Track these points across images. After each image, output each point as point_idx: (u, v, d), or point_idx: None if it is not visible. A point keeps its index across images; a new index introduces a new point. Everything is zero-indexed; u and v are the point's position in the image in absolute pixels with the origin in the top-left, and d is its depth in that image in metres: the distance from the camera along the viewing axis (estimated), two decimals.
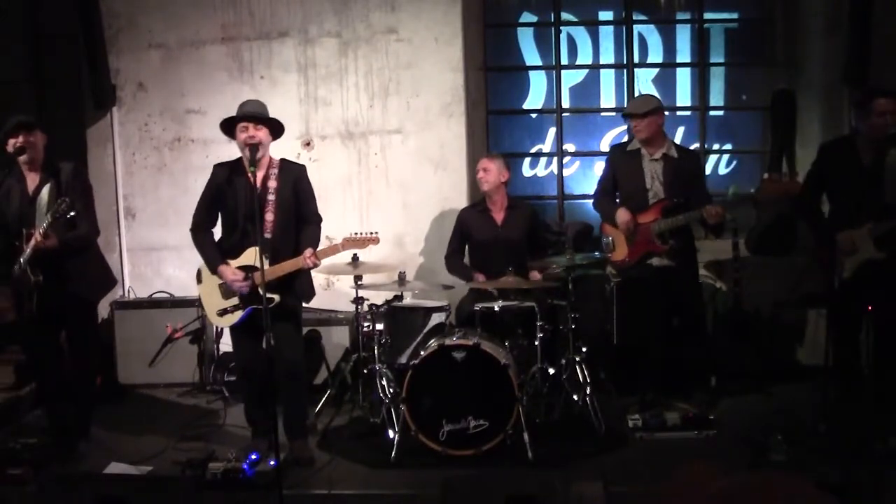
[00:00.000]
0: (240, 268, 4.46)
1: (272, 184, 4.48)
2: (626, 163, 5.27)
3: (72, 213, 4.28)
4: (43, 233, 4.27)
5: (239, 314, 4.49)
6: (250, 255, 4.44)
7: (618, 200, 5.34)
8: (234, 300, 4.50)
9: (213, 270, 4.51)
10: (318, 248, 4.50)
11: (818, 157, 4.90)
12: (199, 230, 4.60)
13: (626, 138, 6.59)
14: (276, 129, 4.54)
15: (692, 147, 6.45)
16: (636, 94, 6.65)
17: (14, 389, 5.48)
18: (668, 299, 5.18)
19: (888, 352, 4.65)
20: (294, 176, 4.57)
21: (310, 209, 4.62)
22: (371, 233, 4.55)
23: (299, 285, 4.58)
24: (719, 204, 4.95)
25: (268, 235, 4.40)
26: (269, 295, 4.13)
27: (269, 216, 4.43)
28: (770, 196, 4.89)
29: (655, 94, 6.35)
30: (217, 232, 4.69)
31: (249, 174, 4.44)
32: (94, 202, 4.75)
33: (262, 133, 4.41)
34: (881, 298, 4.58)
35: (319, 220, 4.66)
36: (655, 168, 5.19)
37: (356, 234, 4.55)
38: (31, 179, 4.56)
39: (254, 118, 4.41)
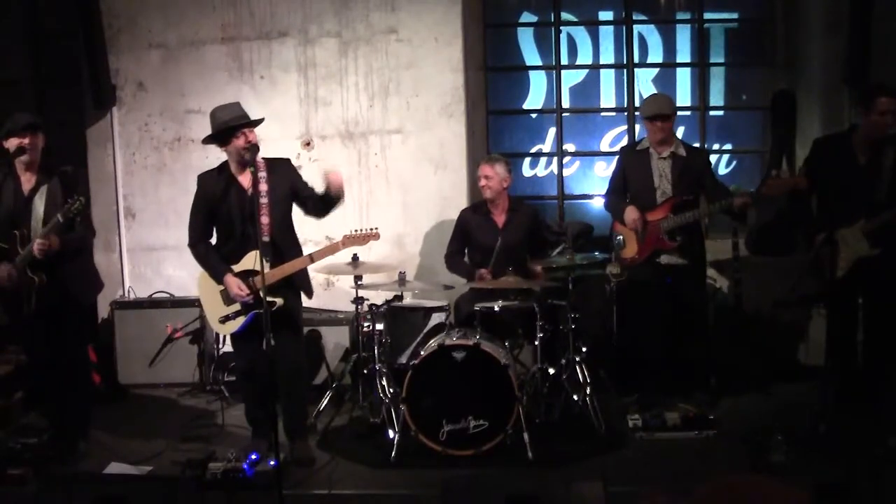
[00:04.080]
0: (241, 272, 4.46)
1: (262, 186, 4.43)
2: (636, 162, 5.30)
3: (87, 212, 4.27)
4: (43, 236, 4.25)
5: (241, 320, 4.49)
6: (250, 260, 4.43)
7: (628, 199, 5.36)
8: (237, 306, 4.50)
9: (220, 281, 4.49)
10: (318, 249, 4.51)
11: (811, 152, 4.89)
12: (198, 244, 4.57)
13: (626, 139, 6.61)
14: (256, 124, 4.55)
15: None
16: (636, 94, 6.66)
17: (14, 389, 5.47)
18: (673, 298, 5.18)
19: (883, 350, 4.65)
20: (281, 171, 4.55)
21: (309, 191, 4.58)
22: (371, 228, 4.56)
23: (299, 283, 4.59)
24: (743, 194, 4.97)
25: (266, 238, 4.39)
26: (272, 299, 4.14)
27: (265, 219, 4.41)
28: (774, 193, 4.87)
29: (656, 93, 6.37)
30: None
31: (239, 176, 4.45)
32: (92, 204, 4.74)
33: (254, 134, 4.44)
34: (876, 295, 4.58)
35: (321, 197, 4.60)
36: (664, 167, 5.20)
37: (356, 230, 4.55)
38: (27, 180, 4.50)
39: (250, 122, 4.41)
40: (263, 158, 4.55)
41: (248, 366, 4.63)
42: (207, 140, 4.54)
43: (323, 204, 4.52)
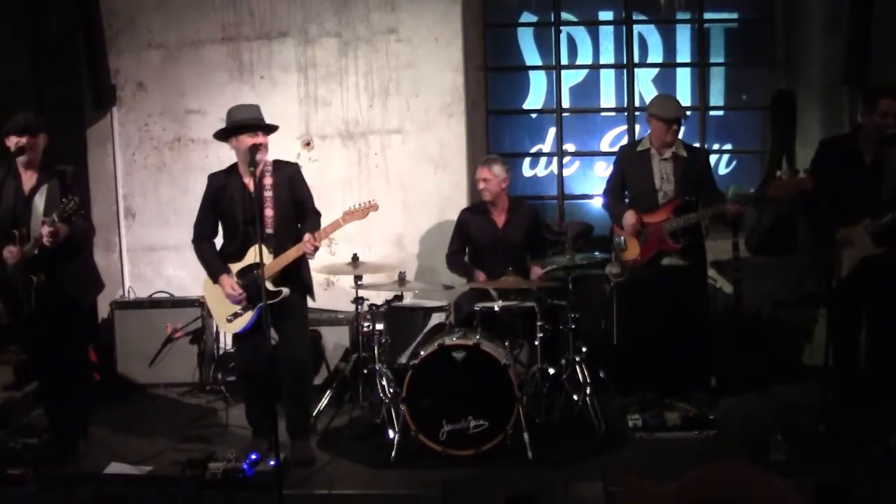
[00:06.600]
0: (245, 268, 4.49)
1: (268, 181, 4.51)
2: (636, 163, 5.26)
3: (81, 212, 4.27)
4: (50, 224, 4.20)
5: (249, 316, 4.51)
6: (252, 254, 4.44)
7: (626, 201, 5.34)
8: (243, 302, 4.52)
9: (215, 280, 4.53)
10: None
11: (818, 153, 4.88)
12: (201, 241, 4.63)
13: (626, 139, 6.61)
14: (270, 130, 4.59)
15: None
16: (636, 94, 6.65)
17: (14, 389, 5.47)
18: (675, 299, 5.17)
19: (886, 350, 4.65)
20: (288, 174, 4.60)
21: (308, 205, 4.67)
22: (369, 201, 4.59)
23: (302, 284, 4.60)
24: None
25: (270, 231, 4.43)
26: (277, 288, 4.20)
27: (269, 212, 4.47)
28: (781, 195, 4.86)
29: (656, 93, 6.38)
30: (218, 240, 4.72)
31: (245, 178, 4.47)
32: (92, 204, 4.74)
33: (263, 138, 4.48)
34: (880, 296, 4.57)
35: (318, 214, 4.70)
36: (665, 168, 5.18)
37: (354, 206, 4.57)
38: (28, 179, 4.49)
39: (259, 126, 4.44)
40: (273, 160, 4.61)
41: (247, 366, 4.64)
42: (217, 135, 4.60)
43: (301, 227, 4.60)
